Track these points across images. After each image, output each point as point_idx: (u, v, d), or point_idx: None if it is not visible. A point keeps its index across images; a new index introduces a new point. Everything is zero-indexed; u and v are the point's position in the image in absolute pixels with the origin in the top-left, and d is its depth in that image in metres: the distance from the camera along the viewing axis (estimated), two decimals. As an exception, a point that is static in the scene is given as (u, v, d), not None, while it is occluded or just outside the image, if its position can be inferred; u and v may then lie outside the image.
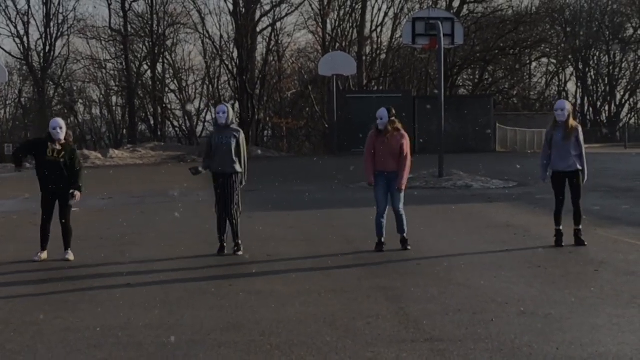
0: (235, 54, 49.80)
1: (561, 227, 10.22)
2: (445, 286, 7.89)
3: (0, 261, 9.97)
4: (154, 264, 9.55)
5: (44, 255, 10.02)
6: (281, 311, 6.99)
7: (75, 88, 57.58)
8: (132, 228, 12.90)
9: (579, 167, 10.16)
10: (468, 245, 10.39)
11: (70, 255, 9.95)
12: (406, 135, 10.16)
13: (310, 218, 13.65)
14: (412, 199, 15.15)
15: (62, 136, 9.89)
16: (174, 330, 6.42)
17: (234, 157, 10.05)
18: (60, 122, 10.04)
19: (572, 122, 10.17)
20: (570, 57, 63.24)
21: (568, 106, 10.24)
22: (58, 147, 9.87)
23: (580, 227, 10.27)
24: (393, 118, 10.07)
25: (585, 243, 10.13)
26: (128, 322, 6.72)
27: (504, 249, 10.03)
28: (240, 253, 10.03)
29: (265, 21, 50.92)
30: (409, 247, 10.07)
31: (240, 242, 10.16)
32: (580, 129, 10.26)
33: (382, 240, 10.16)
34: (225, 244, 10.16)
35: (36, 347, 6.07)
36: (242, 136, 10.21)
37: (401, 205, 10.12)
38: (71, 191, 9.88)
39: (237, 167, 10.09)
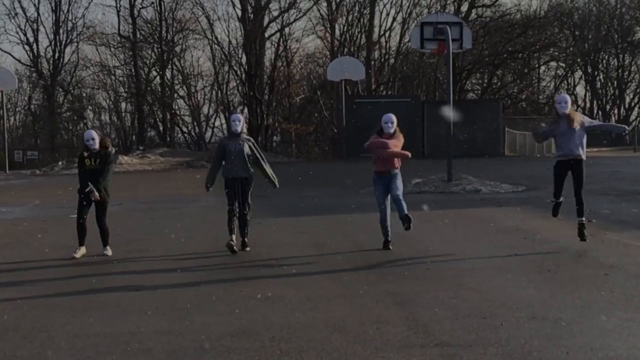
0: (244, 60, 49.89)
1: (561, 200, 10.52)
2: (455, 291, 7.87)
3: (10, 267, 10.02)
4: (163, 269, 9.57)
5: (82, 251, 10.70)
6: (291, 317, 6.98)
7: (84, 95, 57.70)
8: (141, 234, 12.93)
9: (583, 157, 10.39)
10: (477, 250, 10.36)
11: (109, 251, 10.80)
12: (401, 137, 10.71)
13: (320, 223, 13.64)
14: (421, 203, 15.13)
15: (97, 145, 10.66)
16: (184, 337, 6.42)
17: (247, 163, 10.61)
18: (93, 133, 10.81)
19: (571, 110, 10.54)
20: (579, 60, 63.07)
21: (569, 99, 10.69)
22: (91, 159, 10.64)
23: (584, 219, 10.36)
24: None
25: (587, 239, 10.26)
26: (137, 328, 6.72)
27: (514, 253, 9.99)
28: (248, 249, 10.70)
29: (274, 27, 51.06)
30: (411, 226, 10.21)
31: (247, 240, 10.83)
32: (580, 112, 10.72)
33: (389, 239, 10.49)
34: (234, 242, 10.52)
35: (46, 354, 6.08)
36: (252, 142, 10.72)
37: (400, 193, 10.37)
38: (88, 188, 10.55)
39: (251, 171, 10.71)
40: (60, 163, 39.88)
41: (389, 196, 10.50)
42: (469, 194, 18.55)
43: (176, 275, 9.12)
